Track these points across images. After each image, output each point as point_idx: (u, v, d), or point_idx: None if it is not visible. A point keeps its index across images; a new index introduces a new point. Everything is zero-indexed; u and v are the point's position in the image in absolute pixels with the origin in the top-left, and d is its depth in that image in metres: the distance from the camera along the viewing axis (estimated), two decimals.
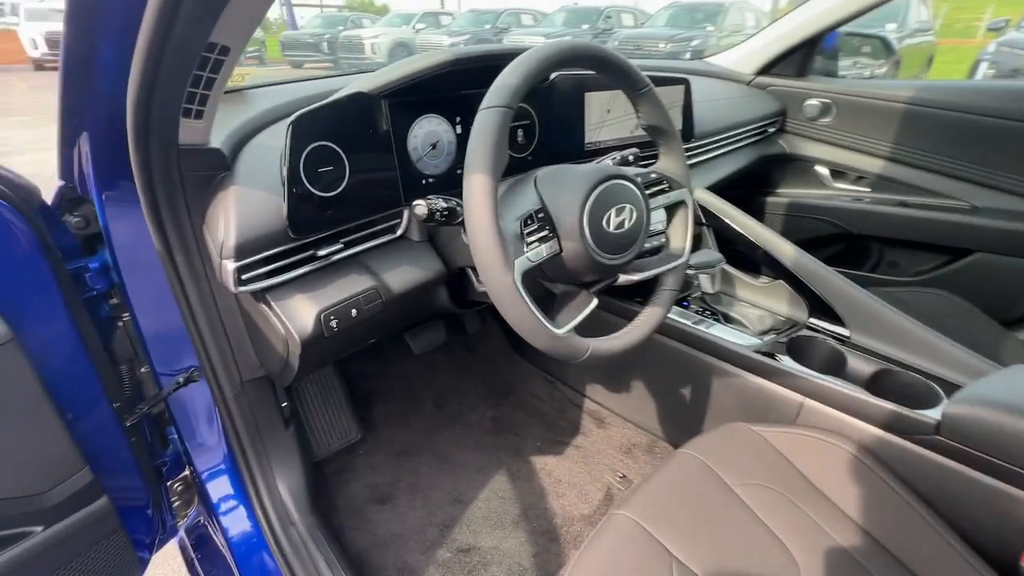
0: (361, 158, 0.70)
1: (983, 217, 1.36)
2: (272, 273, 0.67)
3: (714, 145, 1.39)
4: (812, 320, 1.05)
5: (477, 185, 0.55)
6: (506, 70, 0.58)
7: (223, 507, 0.95)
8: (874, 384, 0.93)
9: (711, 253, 1.09)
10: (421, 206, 0.63)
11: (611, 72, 0.69)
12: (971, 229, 1.37)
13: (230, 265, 0.62)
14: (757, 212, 1.75)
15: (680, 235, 0.81)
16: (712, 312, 1.11)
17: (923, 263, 1.51)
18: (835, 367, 0.98)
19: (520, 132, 0.90)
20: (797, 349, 1.00)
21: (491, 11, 12.98)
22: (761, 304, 1.13)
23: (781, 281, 1.09)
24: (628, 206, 0.68)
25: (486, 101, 0.56)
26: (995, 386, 0.77)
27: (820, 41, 1.54)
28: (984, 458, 0.72)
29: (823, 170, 1.64)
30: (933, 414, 0.80)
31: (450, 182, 0.83)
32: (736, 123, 1.48)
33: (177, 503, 1.03)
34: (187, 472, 1.00)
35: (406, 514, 1.12)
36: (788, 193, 1.71)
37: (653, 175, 0.78)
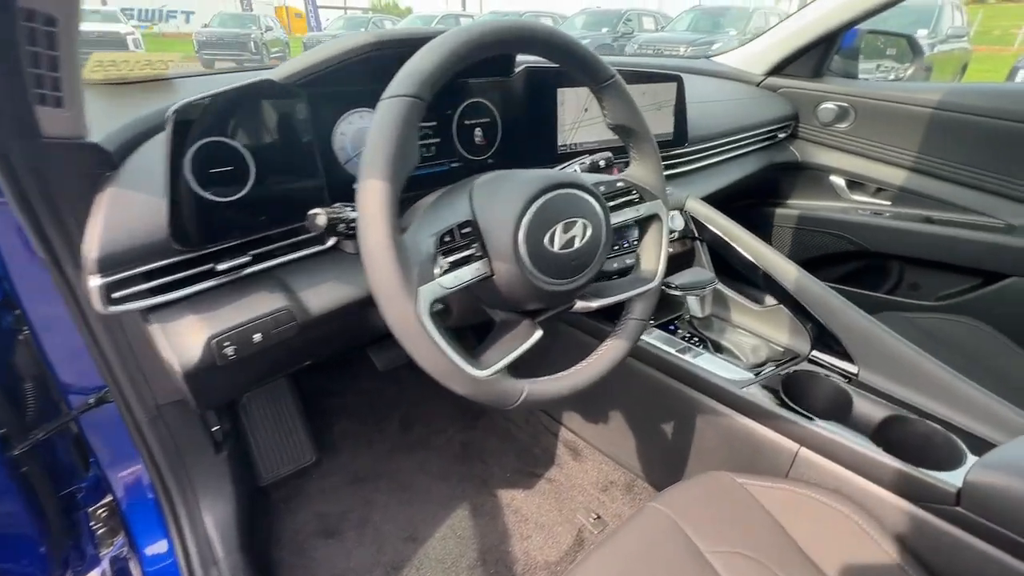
0: (271, 158, 0.60)
1: (1020, 237, 1.20)
2: (156, 291, 0.57)
3: (716, 150, 1.26)
4: (815, 353, 0.91)
5: (370, 193, 0.44)
6: (419, 52, 0.47)
7: (143, 540, 0.86)
8: (884, 433, 0.80)
9: (702, 272, 0.97)
10: (320, 216, 0.53)
11: (565, 60, 0.58)
12: (1006, 250, 1.21)
13: (93, 281, 0.53)
14: (765, 224, 1.61)
15: (653, 255, 0.69)
16: (701, 339, 0.98)
17: (949, 286, 1.36)
18: (839, 410, 0.84)
19: (479, 131, 0.79)
20: (795, 387, 0.87)
21: (512, 13, 12.94)
22: (758, 332, 1.00)
23: (781, 306, 0.96)
24: (580, 221, 0.56)
25: (389, 89, 0.46)
26: None
27: (837, 39, 1.40)
28: (1013, 538, 0.58)
29: (839, 180, 1.49)
30: (953, 479, 0.66)
31: None
32: (742, 127, 1.35)
33: (101, 530, 0.94)
34: (110, 498, 0.92)
35: (353, 551, 1.01)
36: (799, 205, 1.57)
37: (620, 184, 0.66)
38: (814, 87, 1.45)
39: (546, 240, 0.53)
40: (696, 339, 0.98)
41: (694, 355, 0.93)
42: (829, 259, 1.51)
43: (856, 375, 0.86)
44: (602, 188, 0.64)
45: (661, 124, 1.03)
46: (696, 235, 1.07)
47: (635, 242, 0.98)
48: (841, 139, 1.46)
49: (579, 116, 0.91)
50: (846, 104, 1.41)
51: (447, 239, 0.50)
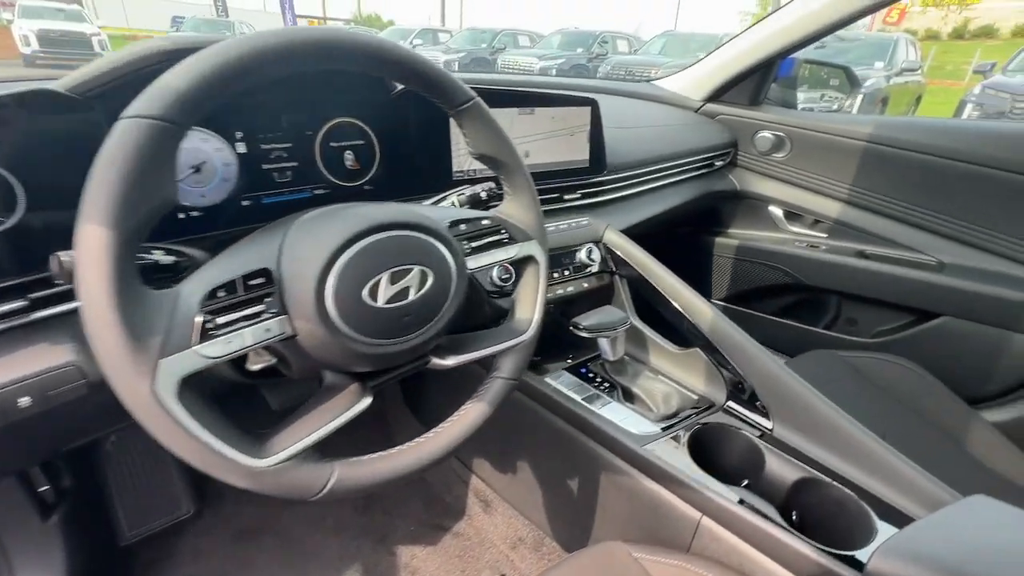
0: (47, 182, 0.49)
1: (951, 276, 1.17)
2: None
3: (646, 177, 1.20)
4: (731, 404, 0.84)
5: (87, 238, 0.34)
6: (177, 67, 0.37)
7: None
8: (795, 497, 0.72)
9: (613, 312, 0.89)
10: (63, 260, 0.42)
11: (407, 79, 0.49)
12: (937, 289, 1.18)
13: None
14: (705, 254, 1.55)
15: (528, 303, 0.61)
16: (612, 385, 0.90)
17: (884, 322, 1.32)
18: (751, 469, 0.77)
19: (350, 154, 0.70)
20: (705, 443, 0.79)
21: (489, 30, 13.04)
22: (674, 377, 0.92)
23: (698, 350, 0.89)
24: (417, 268, 0.47)
25: (128, 108, 0.36)
26: (941, 533, 0.56)
27: (774, 67, 1.37)
28: None
29: (777, 211, 1.45)
30: (860, 555, 0.59)
31: (228, 215, 0.62)
32: (677, 153, 1.29)
33: None
34: None
35: None
36: (738, 234, 1.52)
37: (486, 222, 0.58)
38: (751, 115, 1.41)
39: (365, 293, 0.44)
40: (607, 384, 0.90)
41: (602, 404, 0.85)
42: (768, 291, 1.47)
43: (771, 430, 0.78)
44: (463, 227, 0.56)
45: (575, 151, 0.96)
46: (613, 268, 0.99)
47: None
48: (778, 169, 1.42)
49: None
50: (782, 134, 1.38)
51: (221, 294, 0.40)
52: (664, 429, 0.79)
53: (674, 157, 1.29)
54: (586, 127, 0.96)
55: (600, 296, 1.02)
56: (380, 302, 0.45)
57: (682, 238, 1.58)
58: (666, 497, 0.72)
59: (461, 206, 0.67)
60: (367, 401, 0.49)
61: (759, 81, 1.39)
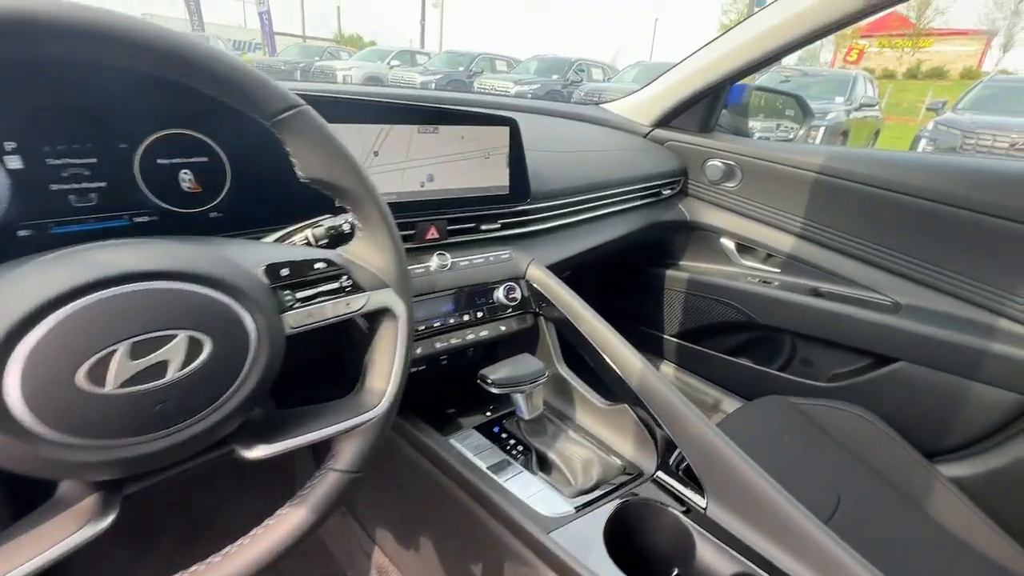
0: None
1: (907, 318, 1.09)
2: None
3: (584, 206, 1.09)
4: (661, 474, 0.72)
5: None
6: None
7: None
8: None
9: (529, 362, 0.77)
10: None
11: (199, 81, 0.37)
12: (893, 332, 1.09)
13: None
14: (655, 288, 1.46)
15: (381, 369, 0.48)
16: (526, 448, 0.77)
17: (841, 364, 1.23)
18: (679, 555, 0.64)
19: (187, 173, 0.57)
20: (627, 521, 0.66)
21: (468, 53, 13.16)
22: (601, 437, 0.80)
23: (625, 406, 0.77)
24: (184, 335, 0.34)
25: None
26: None
27: (722, 93, 1.30)
28: None
29: (729, 243, 1.37)
30: None
31: None
32: (620, 180, 1.20)
33: None
34: None
35: None
36: (690, 267, 1.43)
37: (321, 265, 0.45)
38: (701, 142, 1.34)
39: (82, 375, 0.30)
40: (522, 447, 0.77)
41: (512, 474, 0.72)
42: (721, 327, 1.37)
43: (704, 509, 0.66)
44: (285, 272, 0.43)
45: (492, 175, 0.84)
46: (536, 309, 0.87)
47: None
48: (730, 199, 1.34)
49: (368, 160, 0.71)
50: (732, 162, 1.30)
51: None
52: (580, 508, 0.66)
53: (618, 184, 1.19)
54: (504, 149, 0.84)
55: (527, 339, 0.90)
56: (109, 387, 0.31)
57: (631, 270, 1.48)
58: None
59: (316, 241, 0.54)
60: (107, 520, 0.34)
61: (709, 106, 1.32)
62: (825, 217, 1.21)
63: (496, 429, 0.81)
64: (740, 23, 1.17)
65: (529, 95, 10.00)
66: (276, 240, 0.54)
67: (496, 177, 0.85)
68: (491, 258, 0.86)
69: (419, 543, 0.84)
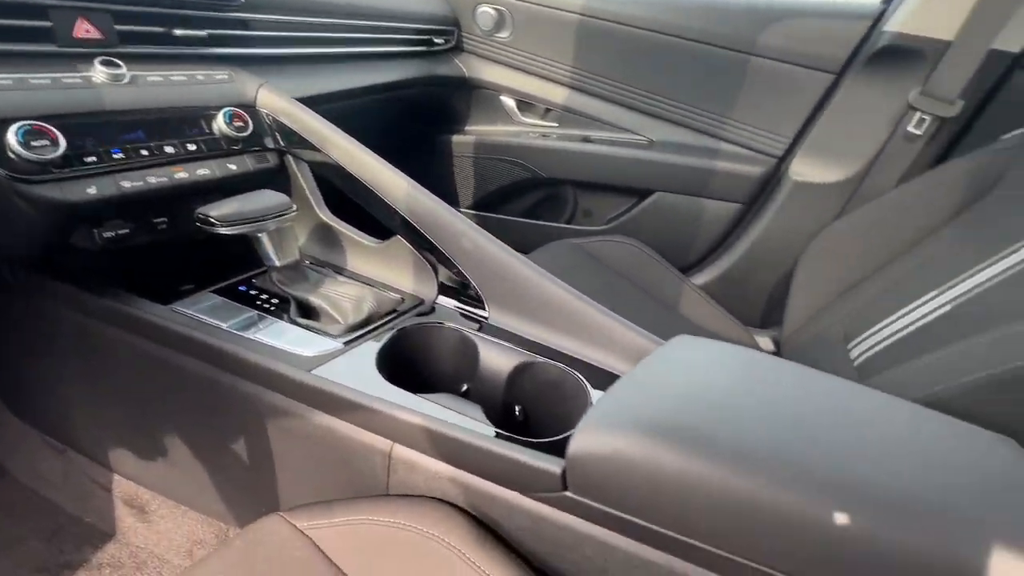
0: None
1: (656, 152, 1.21)
2: None
3: (332, 34, 0.91)
4: (442, 299, 0.67)
5: None
6: None
7: None
8: (515, 389, 0.59)
9: (267, 195, 0.62)
10: None
11: None
12: (648, 166, 1.22)
13: None
14: (444, 156, 1.38)
15: None
16: (281, 300, 0.64)
17: (615, 208, 1.34)
18: (467, 369, 0.61)
19: None
20: (407, 348, 0.60)
21: None
22: (376, 277, 0.71)
23: (399, 237, 0.68)
24: None
25: None
26: (645, 389, 0.47)
27: None
28: (620, 516, 0.41)
29: (509, 101, 1.34)
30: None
31: None
32: (378, 11, 1.03)
33: None
34: None
35: None
36: (475, 131, 1.37)
37: None
38: None
39: None
40: (277, 300, 0.64)
41: (264, 327, 0.59)
42: (512, 190, 1.37)
43: (486, 319, 0.63)
44: None
45: None
46: (280, 145, 0.71)
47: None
48: (505, 52, 1.28)
49: None
50: (503, 7, 1.23)
51: None
52: (348, 344, 0.57)
53: (374, 15, 1.02)
54: None
55: (278, 187, 0.74)
56: None
57: (416, 137, 1.37)
58: (347, 432, 0.51)
59: None
60: None
61: None
62: (592, 64, 1.24)
63: (243, 288, 0.65)
64: None
65: None
66: None
67: None
68: (200, 77, 0.65)
69: (165, 447, 0.66)
